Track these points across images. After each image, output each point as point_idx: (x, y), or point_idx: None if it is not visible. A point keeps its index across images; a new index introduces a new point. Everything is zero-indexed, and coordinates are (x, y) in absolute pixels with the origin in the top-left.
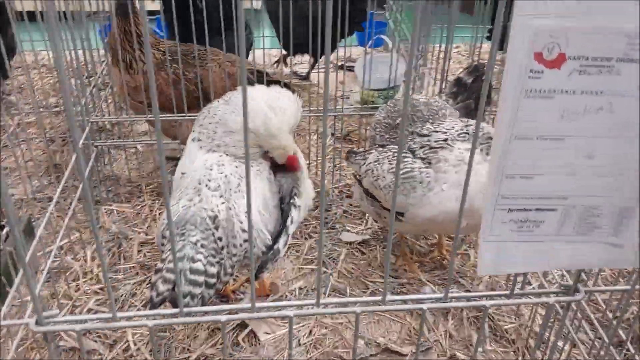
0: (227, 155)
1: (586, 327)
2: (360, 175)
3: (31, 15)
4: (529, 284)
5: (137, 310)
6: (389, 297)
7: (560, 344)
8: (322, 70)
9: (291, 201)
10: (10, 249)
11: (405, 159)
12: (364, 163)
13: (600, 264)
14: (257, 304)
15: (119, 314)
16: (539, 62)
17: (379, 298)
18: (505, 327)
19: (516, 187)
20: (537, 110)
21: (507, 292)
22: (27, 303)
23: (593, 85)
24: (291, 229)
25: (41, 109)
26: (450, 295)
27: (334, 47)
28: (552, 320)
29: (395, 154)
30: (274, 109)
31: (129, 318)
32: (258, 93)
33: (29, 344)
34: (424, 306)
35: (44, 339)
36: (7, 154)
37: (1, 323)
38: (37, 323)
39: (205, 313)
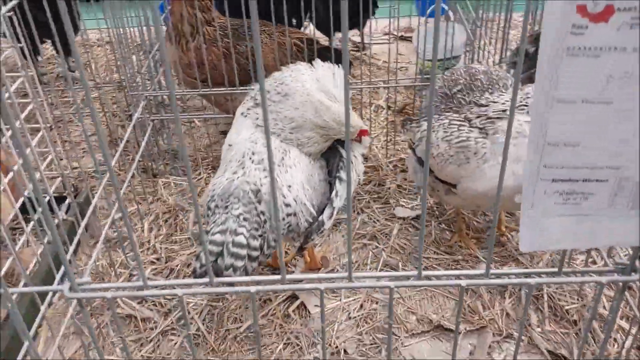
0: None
1: None
2: (414, 143)
3: None
4: (594, 263)
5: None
6: (425, 272)
7: (627, 326)
8: (379, 41)
9: (337, 175)
10: (72, 219)
11: (461, 128)
12: (419, 130)
13: None
14: (288, 276)
15: (151, 283)
16: (583, 15)
17: (414, 273)
18: (567, 307)
19: (561, 156)
20: (580, 70)
21: (555, 269)
22: (83, 271)
23: None
24: (336, 202)
25: (104, 84)
26: (493, 271)
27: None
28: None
29: (452, 122)
30: (332, 94)
31: (159, 287)
32: (308, 84)
33: (88, 310)
34: (462, 282)
35: (79, 305)
36: (72, 128)
37: (38, 289)
38: (71, 290)
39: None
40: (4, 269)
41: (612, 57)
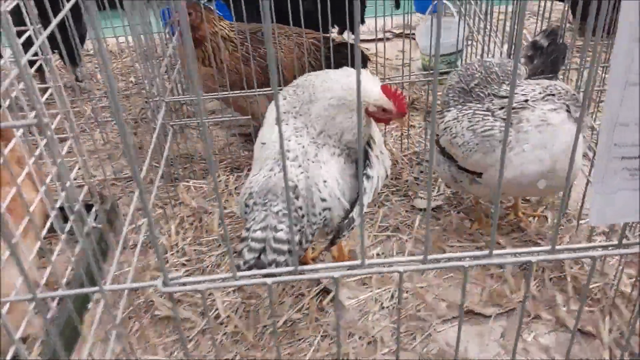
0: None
1: None
2: (437, 135)
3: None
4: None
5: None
6: (496, 251)
7: None
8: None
9: (364, 172)
10: (100, 226)
11: (486, 118)
12: (442, 121)
13: None
14: (368, 261)
15: (240, 273)
16: None
17: (485, 252)
18: (590, 286)
19: (630, 135)
20: None
21: (615, 242)
22: (126, 274)
23: None
24: (365, 199)
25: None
26: (558, 247)
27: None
28: None
29: (477, 113)
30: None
31: (247, 277)
32: (337, 93)
33: (127, 313)
34: (533, 259)
35: (169, 299)
36: (85, 138)
37: (132, 286)
38: (164, 284)
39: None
40: (45, 277)
41: None
